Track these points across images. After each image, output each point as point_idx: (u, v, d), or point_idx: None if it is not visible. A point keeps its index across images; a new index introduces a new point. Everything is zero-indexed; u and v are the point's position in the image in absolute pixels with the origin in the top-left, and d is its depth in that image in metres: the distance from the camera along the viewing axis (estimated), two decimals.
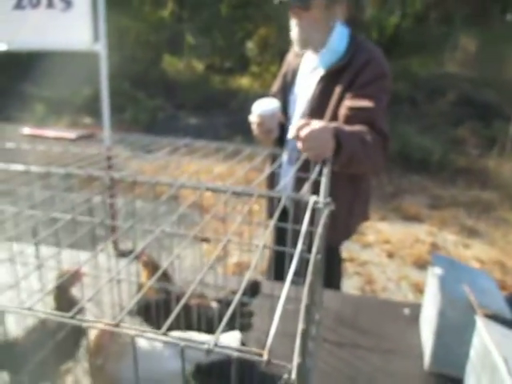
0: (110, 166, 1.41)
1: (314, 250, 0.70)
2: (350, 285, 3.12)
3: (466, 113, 7.30)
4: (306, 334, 0.48)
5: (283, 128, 1.73)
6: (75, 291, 1.05)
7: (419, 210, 4.46)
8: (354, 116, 1.49)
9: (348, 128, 1.41)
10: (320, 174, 1.10)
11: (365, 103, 1.48)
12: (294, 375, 0.43)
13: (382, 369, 1.20)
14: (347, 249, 3.49)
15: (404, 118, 6.72)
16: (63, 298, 1.02)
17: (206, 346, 0.44)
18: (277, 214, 0.87)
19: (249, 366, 1.14)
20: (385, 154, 1.53)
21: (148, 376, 0.85)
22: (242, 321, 1.06)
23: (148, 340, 0.95)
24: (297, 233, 1.00)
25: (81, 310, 1.04)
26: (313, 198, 0.89)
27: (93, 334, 0.88)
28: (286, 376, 0.43)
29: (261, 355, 0.44)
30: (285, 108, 1.73)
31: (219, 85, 9.71)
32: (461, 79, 8.59)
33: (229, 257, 3.10)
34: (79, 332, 1.03)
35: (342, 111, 1.53)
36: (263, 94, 1.62)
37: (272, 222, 0.83)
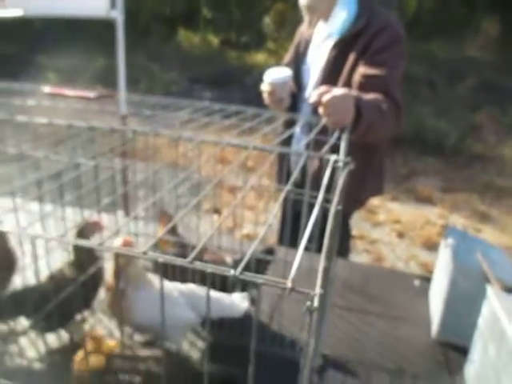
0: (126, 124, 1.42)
1: (335, 200, 0.71)
2: (359, 261, 3.13)
3: (484, 98, 7.15)
4: (327, 270, 0.49)
5: (295, 97, 1.73)
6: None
7: (432, 193, 4.43)
8: (369, 83, 1.48)
9: (366, 97, 1.40)
10: (339, 139, 1.10)
11: (379, 70, 1.47)
12: (316, 303, 0.44)
13: (390, 334, 1.22)
14: (357, 226, 3.50)
15: (421, 101, 6.60)
16: (83, 247, 1.04)
17: (232, 272, 0.45)
18: (295, 174, 0.88)
19: (261, 326, 1.18)
20: (397, 124, 1.52)
21: (159, 317, 0.88)
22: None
23: (165, 287, 0.98)
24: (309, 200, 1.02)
25: (99, 258, 1.07)
26: (333, 157, 0.90)
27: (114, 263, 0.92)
28: (308, 303, 0.44)
29: (284, 284, 0.45)
30: (297, 78, 1.72)
31: (235, 60, 9.59)
32: (481, 64, 8.38)
33: (240, 228, 3.13)
34: (95, 281, 1.06)
35: (356, 78, 1.52)
36: None
37: (287, 187, 0.83)
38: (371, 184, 1.78)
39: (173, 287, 0.99)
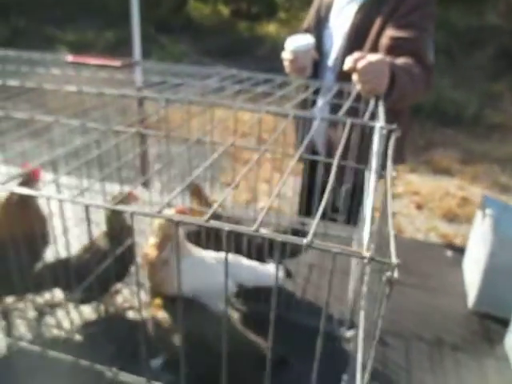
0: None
1: (389, 167, 0.68)
2: None
3: (504, 67, 6.93)
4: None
5: (316, 65, 1.67)
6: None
7: (451, 164, 4.35)
8: (398, 46, 1.43)
9: (399, 62, 1.35)
10: (376, 106, 1.06)
11: (408, 33, 1.42)
12: (395, 274, 0.42)
13: (425, 304, 1.20)
14: (376, 198, 3.45)
15: (439, 70, 6.38)
16: (116, 219, 1.03)
17: (304, 241, 0.43)
18: (342, 143, 0.84)
19: (297, 298, 1.17)
20: (427, 88, 1.47)
21: (200, 285, 0.88)
22: (292, 247, 1.08)
23: (202, 255, 0.97)
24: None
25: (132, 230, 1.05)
26: (378, 124, 0.86)
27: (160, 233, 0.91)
28: (389, 273, 0.42)
29: (361, 254, 0.43)
30: (318, 45, 1.66)
31: (246, 31, 9.38)
32: (501, 32, 8.08)
33: (257, 202, 3.12)
34: (130, 253, 1.05)
35: (384, 41, 1.46)
36: None
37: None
38: (395, 152, 1.75)
39: (208, 255, 0.99)
